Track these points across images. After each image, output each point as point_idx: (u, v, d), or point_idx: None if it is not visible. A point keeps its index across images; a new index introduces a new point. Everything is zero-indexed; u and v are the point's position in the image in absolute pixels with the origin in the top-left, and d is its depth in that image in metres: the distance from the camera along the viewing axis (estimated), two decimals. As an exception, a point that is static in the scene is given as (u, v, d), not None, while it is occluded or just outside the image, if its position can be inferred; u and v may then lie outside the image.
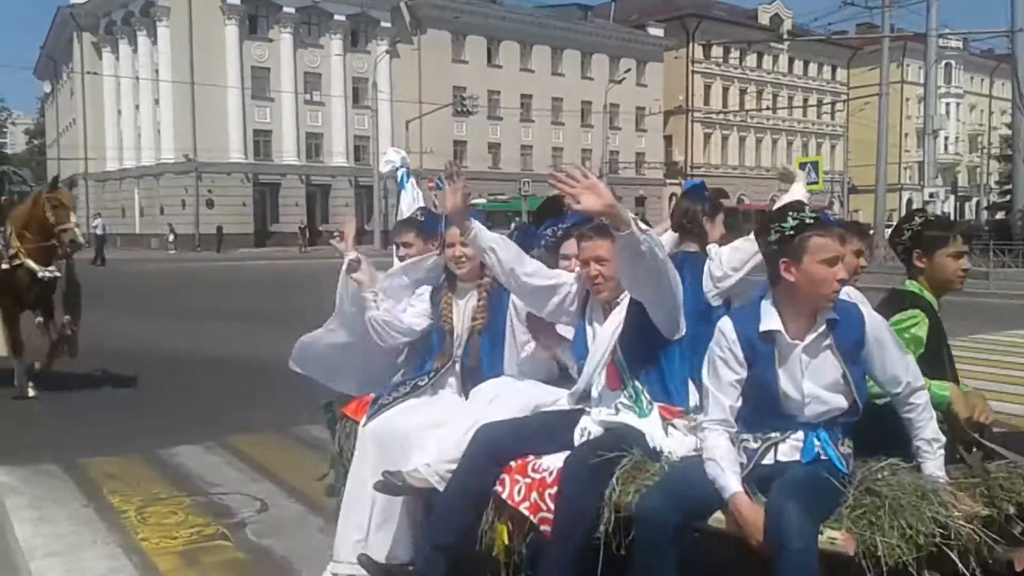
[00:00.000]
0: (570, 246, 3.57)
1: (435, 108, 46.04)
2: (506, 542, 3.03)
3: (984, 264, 17.28)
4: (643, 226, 2.79)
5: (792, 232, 2.63)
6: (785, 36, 41.27)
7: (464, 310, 3.74)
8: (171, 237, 45.69)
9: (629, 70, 58.78)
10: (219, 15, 47.15)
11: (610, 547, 2.71)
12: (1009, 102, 35.88)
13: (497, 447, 3.07)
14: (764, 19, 65.25)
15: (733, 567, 2.64)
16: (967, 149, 78.31)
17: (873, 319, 2.74)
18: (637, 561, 2.61)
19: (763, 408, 2.71)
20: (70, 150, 55.80)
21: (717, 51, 59.56)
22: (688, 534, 2.59)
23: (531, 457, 3.05)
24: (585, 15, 61.64)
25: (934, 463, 2.68)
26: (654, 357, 3.11)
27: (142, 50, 49.64)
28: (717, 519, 2.61)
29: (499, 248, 3.27)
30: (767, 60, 68.97)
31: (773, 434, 2.71)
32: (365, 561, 3.49)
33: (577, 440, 3.05)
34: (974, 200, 63.58)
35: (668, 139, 64.93)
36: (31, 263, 7.83)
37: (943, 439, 2.73)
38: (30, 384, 8.07)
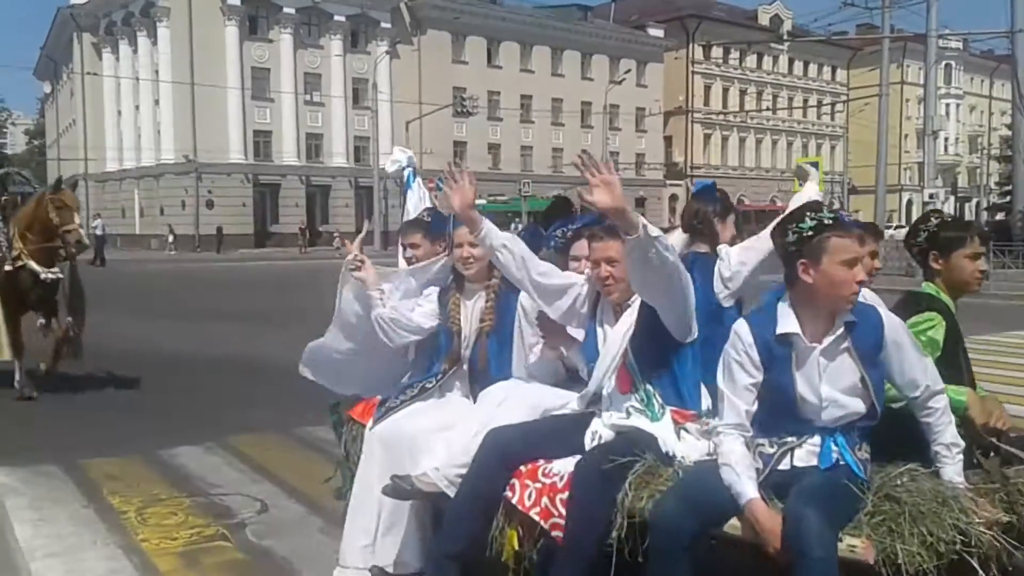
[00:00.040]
0: (580, 247, 3.52)
1: (435, 109, 46.08)
2: (516, 548, 2.98)
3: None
4: (653, 231, 2.73)
5: (811, 233, 2.58)
6: (785, 37, 41.26)
7: (472, 311, 3.69)
8: (170, 238, 45.70)
9: (629, 71, 58.84)
10: (219, 16, 47.19)
11: (622, 553, 2.66)
12: (1009, 103, 35.91)
13: (506, 451, 3.03)
14: (764, 20, 65.28)
15: (749, 575, 2.61)
16: (967, 150, 78.36)
17: (892, 321, 2.69)
18: (651, 568, 2.56)
19: (779, 412, 2.67)
20: (70, 151, 55.82)
21: (717, 52, 59.60)
22: (703, 541, 2.54)
23: (541, 461, 3.00)
24: (585, 16, 61.69)
25: (953, 468, 2.63)
26: (666, 360, 3.07)
27: (142, 51, 49.66)
28: (733, 526, 2.57)
29: (510, 247, 3.22)
30: (767, 61, 69.02)
31: (789, 439, 2.67)
32: (378, 574, 3.46)
33: (588, 444, 3.01)
34: (974, 201, 63.52)
35: (668, 140, 64.97)
36: (34, 264, 7.81)
37: (962, 444, 2.68)
38: (31, 385, 8.07)
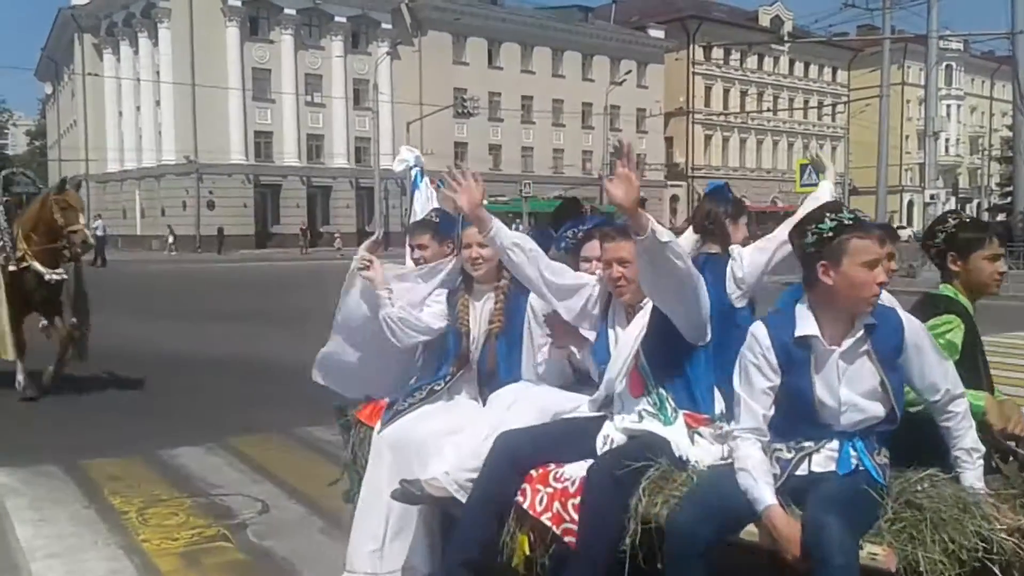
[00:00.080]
0: (591, 248, 3.48)
1: (436, 110, 46.10)
2: (527, 553, 2.94)
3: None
4: (663, 235, 2.68)
5: (831, 234, 2.53)
6: (786, 38, 41.22)
7: (481, 313, 3.63)
8: (171, 239, 45.74)
9: (630, 72, 58.85)
10: (220, 17, 47.22)
11: (636, 559, 2.63)
12: (1010, 104, 35.89)
13: (517, 455, 2.98)
14: (765, 21, 65.30)
15: None
16: (968, 151, 78.38)
17: (912, 324, 2.64)
18: (667, 575, 2.53)
19: (797, 416, 2.61)
20: (71, 151, 55.86)
21: (718, 53, 59.68)
22: (720, 548, 2.49)
23: (552, 466, 2.96)
24: (586, 17, 61.72)
25: (973, 473, 2.58)
26: (679, 363, 3.01)
27: (143, 52, 49.70)
28: (750, 532, 2.51)
29: (520, 246, 3.18)
30: (768, 62, 69.05)
31: (807, 443, 2.62)
32: None
33: (599, 448, 2.96)
34: (975, 202, 63.51)
35: (669, 141, 64.99)
36: (38, 265, 7.80)
37: (983, 449, 2.64)
38: (33, 385, 8.07)
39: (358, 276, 3.75)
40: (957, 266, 3.14)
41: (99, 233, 34.97)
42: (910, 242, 28.16)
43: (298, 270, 32.01)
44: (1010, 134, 34.82)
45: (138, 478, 5.55)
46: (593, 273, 3.35)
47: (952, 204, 58.06)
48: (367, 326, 3.79)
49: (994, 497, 2.53)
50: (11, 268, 7.83)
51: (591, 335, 3.30)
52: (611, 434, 2.99)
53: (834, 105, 72.00)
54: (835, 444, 2.60)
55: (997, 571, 2.34)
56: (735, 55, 65.10)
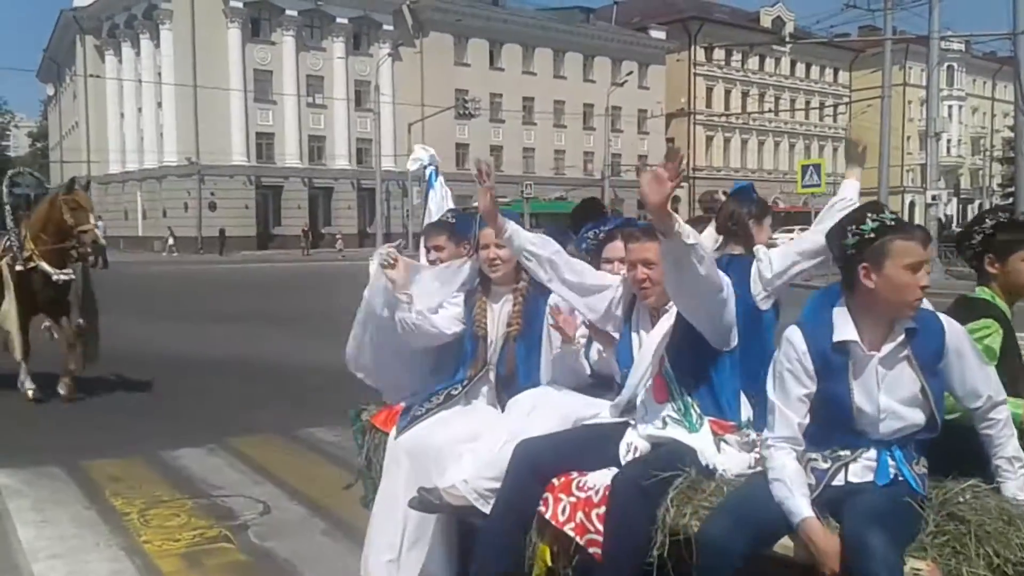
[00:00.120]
0: (612, 249, 3.41)
1: (437, 111, 46.12)
2: (549, 564, 2.87)
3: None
4: (690, 237, 2.59)
5: (872, 235, 2.43)
6: (787, 39, 41.13)
7: (499, 315, 3.54)
8: (171, 240, 45.79)
9: (631, 73, 58.84)
10: (221, 18, 47.26)
11: (663, 571, 2.56)
12: (1012, 104, 35.86)
13: (538, 463, 2.90)
14: (766, 22, 65.27)
15: None
16: (970, 151, 78.28)
17: (953, 328, 2.54)
18: None
19: (833, 424, 2.52)
20: (73, 153, 55.90)
21: (719, 54, 59.64)
22: (753, 561, 2.39)
23: (575, 474, 2.87)
24: (587, 18, 61.72)
25: (1016, 484, 2.49)
26: (704, 368, 2.92)
27: (145, 53, 49.74)
28: (784, 545, 2.42)
29: (538, 248, 3.09)
30: (769, 63, 69.01)
31: (843, 453, 2.52)
32: None
33: (623, 455, 2.88)
34: (976, 203, 63.45)
35: (670, 142, 64.84)
36: (45, 266, 7.79)
37: None
38: (33, 386, 8.08)
39: (382, 275, 3.63)
40: (995, 268, 3.05)
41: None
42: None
43: (300, 271, 32.01)
44: (1012, 135, 34.73)
45: (140, 479, 5.56)
46: (617, 274, 3.25)
47: (954, 205, 58.14)
48: (387, 325, 3.69)
49: None
50: (18, 268, 7.82)
51: (615, 334, 3.20)
52: (634, 441, 2.91)
53: (835, 106, 71.95)
54: (872, 453, 2.51)
55: None
56: (736, 56, 65.06)
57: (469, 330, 3.60)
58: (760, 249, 3.47)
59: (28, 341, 8.03)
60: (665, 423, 2.90)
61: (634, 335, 3.08)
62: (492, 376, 3.54)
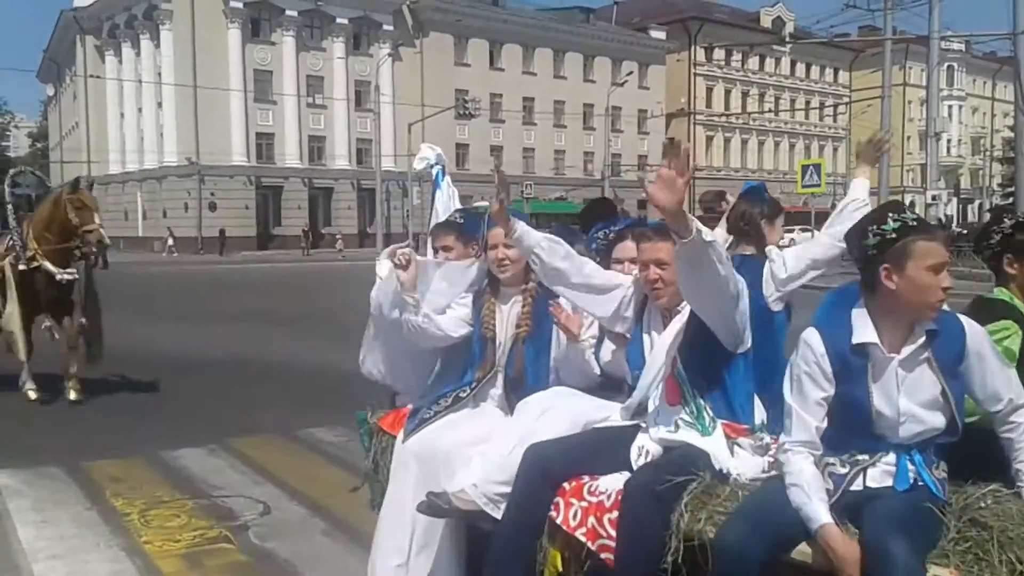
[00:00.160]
0: (623, 249, 3.36)
1: (437, 111, 46.13)
2: (560, 570, 2.84)
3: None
4: (708, 235, 2.55)
5: (894, 235, 2.38)
6: (787, 39, 41.13)
7: (507, 317, 3.49)
8: (170, 241, 45.81)
9: (631, 73, 58.87)
10: (222, 18, 47.28)
11: None
12: (1012, 104, 35.87)
13: (548, 468, 2.85)
14: (766, 22, 65.28)
15: None
16: (970, 151, 78.33)
17: (974, 329, 2.49)
18: None
19: (851, 428, 2.47)
20: (73, 153, 55.93)
21: (719, 54, 59.65)
22: (771, 568, 2.35)
23: (586, 478, 2.82)
24: (587, 18, 61.74)
25: None
26: (717, 370, 2.87)
27: (145, 53, 49.76)
28: (802, 552, 2.38)
29: (548, 248, 3.04)
30: (769, 63, 69.04)
31: (862, 457, 2.48)
32: None
33: (634, 459, 2.84)
34: (977, 203, 63.56)
35: (670, 141, 64.93)
36: (49, 265, 7.76)
37: None
38: (34, 387, 8.07)
39: (393, 276, 3.57)
40: (1014, 269, 2.99)
41: (101, 235, 35.06)
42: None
43: (300, 271, 32.03)
44: (1012, 135, 34.74)
45: (140, 480, 5.56)
46: (628, 275, 3.20)
47: (954, 205, 58.11)
48: (395, 325, 3.64)
49: None
50: (21, 267, 7.79)
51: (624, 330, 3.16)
52: (646, 445, 2.85)
53: (835, 106, 71.97)
54: (892, 458, 2.46)
55: None
56: (736, 56, 65.08)
57: (477, 332, 3.55)
58: (772, 250, 3.43)
59: (31, 341, 8.01)
60: (677, 426, 2.85)
61: (645, 336, 3.03)
62: (500, 378, 3.49)
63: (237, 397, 8.37)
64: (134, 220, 52.80)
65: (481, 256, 3.63)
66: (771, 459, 2.72)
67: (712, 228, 3.25)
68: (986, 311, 2.89)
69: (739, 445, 2.79)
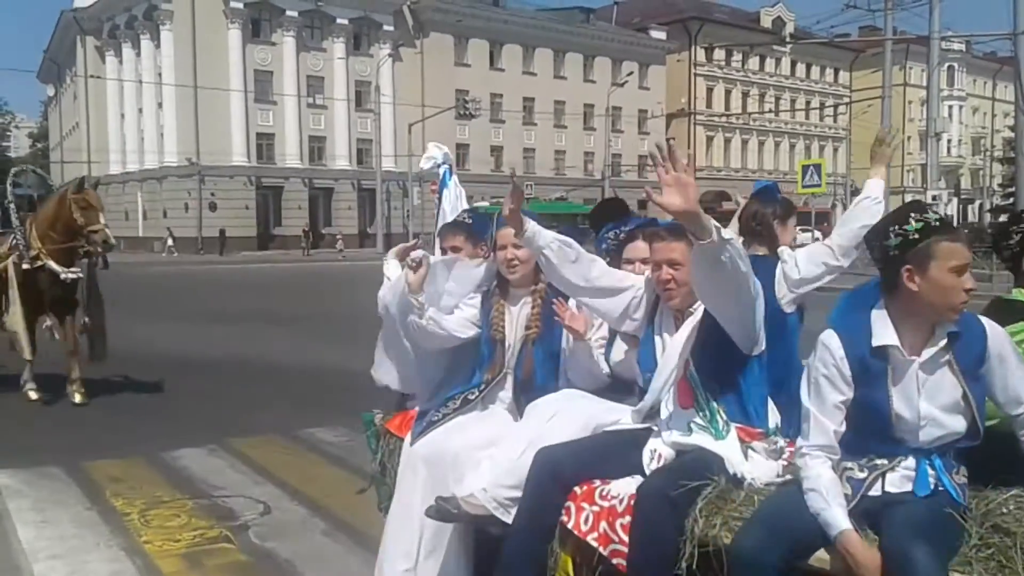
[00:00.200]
0: (634, 249, 3.31)
1: (437, 111, 46.15)
2: (571, 575, 2.81)
3: (987, 267, 17.14)
4: (726, 234, 2.49)
5: (916, 236, 2.34)
6: (787, 39, 41.17)
7: (517, 318, 3.44)
8: (169, 241, 45.82)
9: (631, 73, 58.87)
10: (222, 19, 47.29)
11: None
12: (1012, 104, 35.87)
13: (559, 472, 2.81)
14: (766, 22, 65.29)
15: None
16: (970, 152, 78.34)
17: (995, 331, 2.45)
18: None
19: (870, 432, 2.43)
20: (73, 153, 55.95)
21: (719, 54, 59.68)
22: (789, 574, 2.32)
23: (597, 482, 2.78)
24: (587, 18, 61.74)
25: None
26: (731, 373, 2.81)
27: (145, 54, 49.77)
28: (820, 558, 2.34)
29: (558, 249, 2.97)
30: (769, 63, 69.05)
31: (880, 461, 2.43)
32: None
33: (647, 463, 2.79)
34: (977, 203, 63.54)
35: (670, 141, 64.96)
36: (53, 264, 7.73)
37: None
38: (35, 387, 8.07)
39: (403, 278, 3.50)
40: None
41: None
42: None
43: (300, 272, 32.04)
44: (1012, 135, 34.75)
45: (140, 480, 5.56)
46: (640, 275, 3.14)
47: (954, 205, 58.08)
48: (403, 325, 3.59)
49: None
50: (25, 266, 7.76)
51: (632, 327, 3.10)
52: (659, 448, 2.81)
53: (836, 106, 71.99)
54: (911, 462, 2.42)
55: None
56: (737, 56, 65.09)
57: (486, 333, 3.49)
58: (784, 250, 3.39)
59: (35, 341, 7.99)
60: (690, 430, 2.80)
61: (657, 338, 2.97)
62: (510, 380, 3.44)
63: (237, 397, 8.37)
64: (134, 220, 52.81)
65: (490, 257, 3.57)
66: (785, 463, 2.70)
67: None
68: (1005, 312, 2.85)
69: (753, 449, 2.75)
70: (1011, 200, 35.72)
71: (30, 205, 8.63)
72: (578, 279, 3.01)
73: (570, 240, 3.03)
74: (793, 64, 70.35)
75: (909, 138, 69.09)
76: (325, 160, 51.23)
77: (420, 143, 46.31)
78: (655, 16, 63.59)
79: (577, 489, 2.80)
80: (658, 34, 62.97)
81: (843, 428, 2.45)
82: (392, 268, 3.68)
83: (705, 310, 2.79)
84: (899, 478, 2.43)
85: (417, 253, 3.47)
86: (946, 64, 61.23)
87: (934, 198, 25.20)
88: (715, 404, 2.80)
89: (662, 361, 2.90)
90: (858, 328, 2.45)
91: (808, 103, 71.30)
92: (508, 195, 2.93)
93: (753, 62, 67.76)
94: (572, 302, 3.25)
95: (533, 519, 2.82)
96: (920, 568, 2.11)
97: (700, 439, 2.76)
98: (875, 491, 2.42)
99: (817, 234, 26.02)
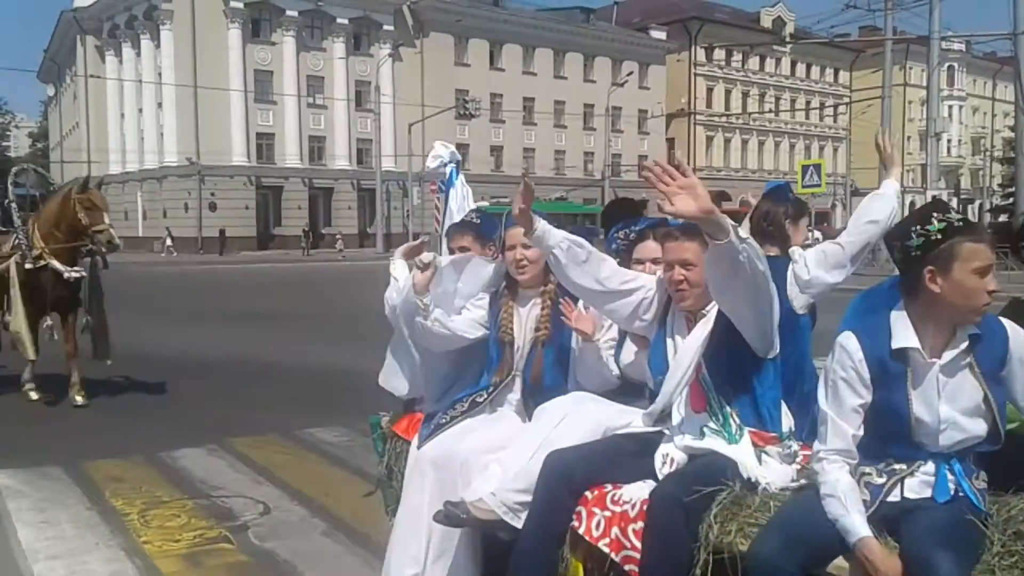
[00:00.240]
0: (644, 249, 3.27)
1: (437, 111, 46.16)
2: None
3: (1008, 266, 16.90)
4: (743, 233, 2.45)
5: (939, 236, 2.29)
6: (787, 39, 41.28)
7: (526, 320, 3.39)
8: (168, 241, 45.81)
9: (631, 73, 58.87)
10: (222, 19, 47.30)
11: None
12: (1012, 104, 35.89)
13: (570, 476, 2.76)
14: (766, 22, 65.29)
15: None
16: (970, 151, 78.33)
17: (1017, 333, 2.41)
18: None
19: (888, 436, 2.39)
20: (73, 153, 55.93)
21: (719, 54, 59.68)
22: None
23: (609, 487, 2.74)
24: (587, 18, 61.75)
25: None
26: (745, 377, 2.76)
27: (145, 53, 49.78)
28: (838, 566, 2.30)
29: (568, 248, 2.90)
30: (769, 63, 69.05)
31: (899, 466, 2.39)
32: None
33: (659, 467, 2.74)
34: (977, 203, 63.50)
35: (671, 142, 64.99)
36: (56, 263, 7.70)
37: None
38: (35, 387, 8.07)
39: (410, 278, 3.48)
40: None
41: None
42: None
43: (300, 272, 32.04)
44: (1012, 135, 34.80)
45: (140, 480, 5.56)
46: (652, 275, 3.08)
47: (954, 205, 58.00)
48: (411, 326, 3.55)
49: None
50: (28, 266, 7.73)
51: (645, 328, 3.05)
52: (671, 453, 2.76)
53: (836, 106, 72.00)
54: (930, 467, 2.38)
55: None
56: (737, 56, 65.09)
57: (494, 335, 3.44)
58: (796, 251, 3.35)
59: (38, 340, 7.97)
60: (703, 434, 2.75)
61: (668, 340, 2.91)
62: (518, 383, 3.40)
63: (237, 397, 8.36)
64: (134, 220, 52.78)
65: (498, 257, 3.51)
66: (799, 467, 2.67)
67: None
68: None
69: (767, 453, 2.70)
70: (1011, 200, 35.76)
71: (31, 204, 8.59)
72: (588, 279, 2.94)
73: (581, 239, 2.96)
74: (793, 64, 70.35)
75: (909, 138, 69.11)
76: (325, 160, 51.24)
77: (420, 143, 46.40)
78: (655, 16, 63.58)
79: (588, 494, 2.76)
80: (658, 34, 62.97)
81: (861, 432, 2.41)
82: (399, 269, 3.65)
83: (718, 312, 2.74)
84: (918, 483, 2.39)
85: (427, 255, 3.43)
86: (946, 64, 61.19)
87: (934, 198, 25.16)
88: (728, 408, 2.75)
89: (674, 364, 2.85)
90: (877, 330, 2.41)
91: (808, 103, 71.31)
92: (518, 194, 2.85)
93: (753, 62, 67.75)
94: (580, 302, 3.20)
95: (543, 524, 2.78)
96: (943, 574, 2.08)
97: (713, 443, 2.72)
98: (894, 497, 2.39)
99: (817, 234, 26.00)
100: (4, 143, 77.13)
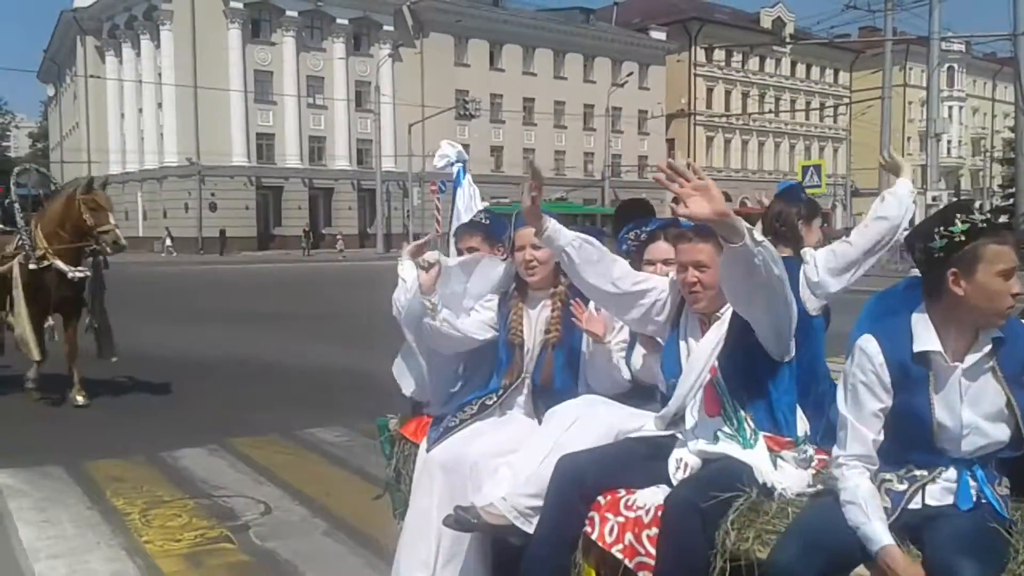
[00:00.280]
0: (655, 250, 3.24)
1: (437, 111, 46.16)
2: None
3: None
4: (758, 236, 2.41)
5: (963, 238, 2.25)
6: (787, 39, 41.27)
7: (536, 322, 3.34)
8: (168, 241, 45.80)
9: (631, 73, 58.88)
10: (222, 19, 47.32)
11: None
12: (1012, 105, 35.87)
13: (582, 480, 2.72)
14: (766, 23, 65.33)
15: None
16: (970, 152, 78.37)
17: None
18: None
19: (909, 441, 2.35)
20: (73, 153, 55.96)
21: (719, 54, 59.74)
22: None
23: (622, 492, 2.70)
24: (587, 18, 61.77)
25: None
26: (760, 381, 2.71)
27: (145, 54, 49.80)
28: (859, 574, 2.26)
29: (580, 247, 2.84)
30: (769, 63, 69.07)
31: (920, 472, 2.35)
32: None
33: (672, 472, 2.70)
34: (977, 204, 63.50)
35: (671, 142, 65.01)
36: (60, 264, 7.67)
37: None
38: (36, 387, 8.07)
39: (417, 280, 3.44)
40: None
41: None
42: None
43: (300, 272, 32.04)
44: (1012, 135, 34.78)
45: (141, 479, 5.56)
46: (664, 276, 3.04)
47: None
48: (418, 327, 3.53)
49: None
50: (32, 267, 7.70)
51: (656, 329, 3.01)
52: (684, 457, 2.71)
53: (836, 107, 72.01)
54: (952, 473, 2.34)
55: None
56: (737, 57, 65.12)
57: (503, 337, 3.40)
58: (808, 251, 3.31)
59: (44, 341, 7.94)
60: (717, 438, 2.71)
61: (681, 343, 2.87)
62: (528, 386, 3.36)
63: (238, 397, 8.36)
64: (134, 220, 52.76)
65: (508, 258, 3.47)
66: (814, 472, 2.65)
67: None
68: None
69: (782, 458, 2.66)
70: (1011, 201, 35.74)
71: (34, 204, 8.58)
72: (601, 279, 2.88)
73: (592, 239, 2.90)
74: (793, 65, 70.37)
75: (909, 139, 69.14)
76: (325, 160, 51.26)
77: (420, 143, 46.45)
78: (655, 16, 63.60)
79: (601, 499, 2.72)
80: (658, 34, 62.99)
81: (881, 437, 2.37)
82: (407, 269, 3.60)
83: (733, 314, 2.71)
84: (940, 490, 2.35)
85: (432, 254, 3.39)
86: (946, 65, 61.20)
87: (934, 199, 25.20)
88: (743, 412, 2.71)
89: (687, 367, 2.81)
90: (897, 332, 2.37)
91: (808, 104, 71.32)
92: (527, 185, 2.77)
93: (753, 62, 67.77)
94: (591, 304, 3.17)
95: (555, 529, 2.75)
96: None
97: (727, 447, 2.68)
98: (915, 504, 2.35)
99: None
100: (4, 143, 77.15)
